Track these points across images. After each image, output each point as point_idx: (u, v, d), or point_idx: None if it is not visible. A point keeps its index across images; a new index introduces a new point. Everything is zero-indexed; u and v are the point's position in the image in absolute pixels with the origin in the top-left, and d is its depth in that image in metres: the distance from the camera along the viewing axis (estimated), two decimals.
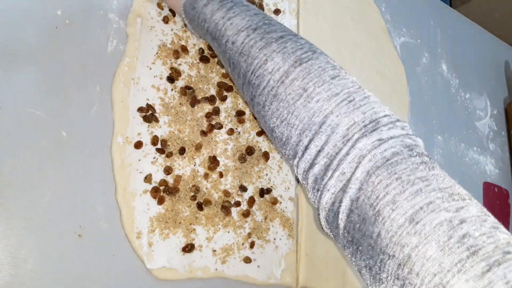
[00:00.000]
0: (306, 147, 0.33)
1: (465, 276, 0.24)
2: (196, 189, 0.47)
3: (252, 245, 0.50)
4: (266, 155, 0.53)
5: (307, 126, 0.33)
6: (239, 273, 0.48)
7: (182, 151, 0.47)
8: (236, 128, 0.52)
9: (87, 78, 0.45)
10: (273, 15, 0.60)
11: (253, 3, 0.58)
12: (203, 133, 0.50)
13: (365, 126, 0.31)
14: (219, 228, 0.48)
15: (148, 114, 0.47)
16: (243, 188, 0.50)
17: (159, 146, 0.47)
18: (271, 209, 0.52)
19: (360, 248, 0.30)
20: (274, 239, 0.52)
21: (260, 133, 0.54)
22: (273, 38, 0.36)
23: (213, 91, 0.52)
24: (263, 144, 0.54)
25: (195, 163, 0.48)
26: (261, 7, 0.59)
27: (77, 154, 0.42)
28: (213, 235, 0.47)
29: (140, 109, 0.46)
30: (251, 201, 0.51)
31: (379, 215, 0.28)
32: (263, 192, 0.52)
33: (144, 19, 0.50)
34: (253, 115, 0.54)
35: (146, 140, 0.46)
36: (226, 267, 0.48)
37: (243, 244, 0.49)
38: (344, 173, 0.31)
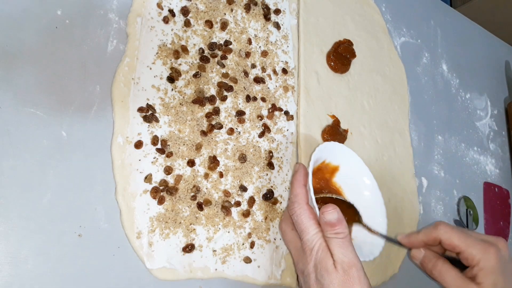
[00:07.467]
0: None
1: None
2: (196, 189, 0.47)
3: (252, 245, 0.50)
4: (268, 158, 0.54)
5: None
6: (239, 273, 0.48)
7: (191, 163, 0.48)
8: (236, 128, 0.52)
9: (87, 78, 0.45)
10: (273, 15, 0.60)
11: (255, 4, 0.58)
12: (203, 133, 0.50)
13: None
14: (219, 228, 0.48)
15: (148, 114, 0.47)
16: (243, 188, 0.50)
17: (159, 146, 0.47)
18: (271, 209, 0.52)
19: None
20: (275, 239, 0.52)
21: (262, 134, 0.54)
22: None
23: (213, 91, 0.52)
24: (263, 144, 0.54)
25: (195, 163, 0.48)
26: (263, 6, 0.59)
27: (77, 154, 0.42)
28: (213, 235, 0.47)
29: (140, 109, 0.46)
30: (251, 201, 0.51)
31: None
32: (266, 197, 0.52)
33: (144, 19, 0.50)
34: (253, 115, 0.54)
35: (146, 140, 0.46)
36: (226, 267, 0.47)
37: (243, 244, 0.49)
38: None
